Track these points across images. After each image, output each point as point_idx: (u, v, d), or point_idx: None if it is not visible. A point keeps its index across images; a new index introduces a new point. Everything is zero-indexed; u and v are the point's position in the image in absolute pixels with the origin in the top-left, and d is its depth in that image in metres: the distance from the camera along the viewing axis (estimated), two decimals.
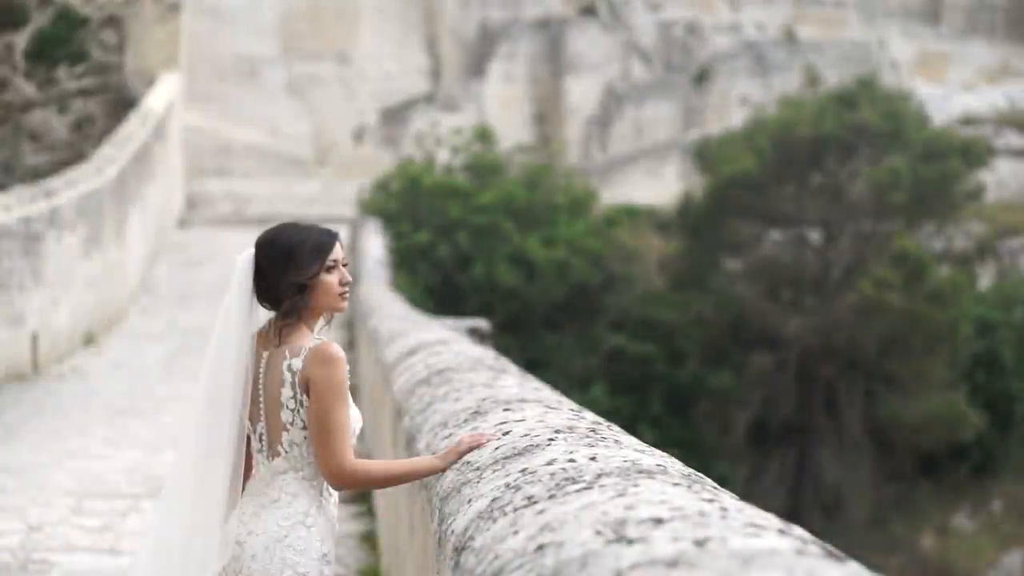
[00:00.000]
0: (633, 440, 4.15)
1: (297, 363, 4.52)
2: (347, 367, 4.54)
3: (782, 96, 36.63)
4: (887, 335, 30.98)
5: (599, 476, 3.42)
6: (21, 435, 14.39)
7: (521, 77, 41.57)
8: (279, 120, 40.15)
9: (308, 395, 4.51)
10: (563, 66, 41.53)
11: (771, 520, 2.86)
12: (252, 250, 4.62)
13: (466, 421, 5.02)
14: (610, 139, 41.06)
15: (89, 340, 20.50)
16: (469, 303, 28.65)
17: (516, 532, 3.13)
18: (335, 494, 4.67)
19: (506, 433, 4.42)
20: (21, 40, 29.62)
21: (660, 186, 37.44)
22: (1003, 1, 46.09)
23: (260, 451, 4.62)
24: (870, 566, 2.71)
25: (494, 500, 3.59)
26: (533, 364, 24.38)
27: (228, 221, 31.29)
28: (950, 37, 45.68)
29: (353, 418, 4.57)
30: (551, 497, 3.32)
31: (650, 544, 2.66)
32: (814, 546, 2.64)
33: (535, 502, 3.33)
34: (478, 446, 4.41)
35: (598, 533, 2.81)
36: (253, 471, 4.67)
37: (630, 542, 2.70)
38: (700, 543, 2.61)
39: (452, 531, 3.69)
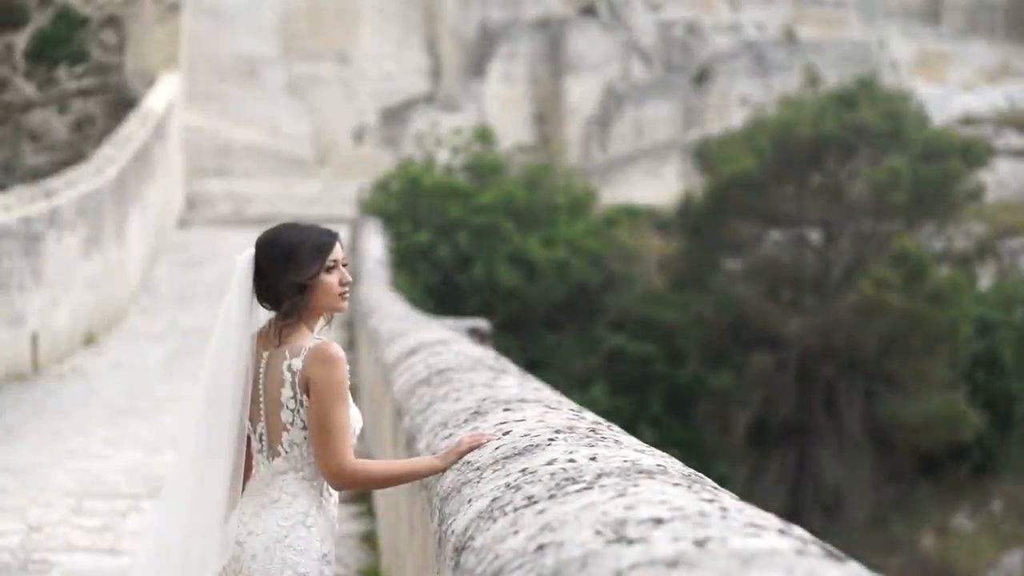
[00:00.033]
0: (633, 440, 4.15)
1: (297, 363, 4.52)
2: (347, 367, 4.54)
3: (782, 96, 36.64)
4: (887, 335, 30.98)
5: (599, 476, 3.42)
6: (21, 435, 14.39)
7: (521, 77, 41.57)
8: (279, 120, 40.15)
9: (308, 395, 4.51)
10: (563, 66, 41.54)
11: (771, 520, 2.86)
12: (252, 250, 4.62)
13: (466, 421, 5.02)
14: (610, 139, 41.06)
15: (89, 340, 20.50)
16: (469, 303, 28.65)
17: (516, 532, 3.13)
18: (335, 494, 4.67)
19: (506, 433, 4.42)
20: (21, 40, 29.62)
21: (660, 186, 37.45)
22: (1003, 1, 46.09)
23: (260, 451, 4.62)
24: (870, 566, 2.71)
25: (494, 500, 3.59)
26: (533, 364, 24.39)
27: (228, 221, 31.29)
28: (950, 37, 45.68)
29: (353, 418, 4.57)
30: (551, 497, 3.32)
31: (650, 544, 2.66)
32: (814, 546, 2.64)
33: (535, 502, 3.33)
34: (478, 446, 4.41)
35: (598, 533, 2.81)
36: (253, 471, 4.67)
37: (630, 542, 2.70)
38: (700, 543, 2.61)
39: (452, 531, 3.69)
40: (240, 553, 4.55)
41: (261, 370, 4.58)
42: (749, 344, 31.76)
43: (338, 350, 4.53)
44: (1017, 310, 32.82)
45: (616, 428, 4.45)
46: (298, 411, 4.53)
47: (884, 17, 45.31)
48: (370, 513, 11.21)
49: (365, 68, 41.55)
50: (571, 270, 30.69)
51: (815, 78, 38.25)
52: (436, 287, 29.45)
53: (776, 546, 2.59)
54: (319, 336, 4.61)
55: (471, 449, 4.42)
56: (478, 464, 4.18)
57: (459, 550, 3.47)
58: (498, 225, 30.37)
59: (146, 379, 18.01)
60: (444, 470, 4.45)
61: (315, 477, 4.57)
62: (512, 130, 39.02)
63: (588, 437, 4.09)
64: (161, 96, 28.93)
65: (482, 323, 15.51)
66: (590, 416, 4.78)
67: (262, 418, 4.59)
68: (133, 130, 25.78)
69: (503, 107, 40.84)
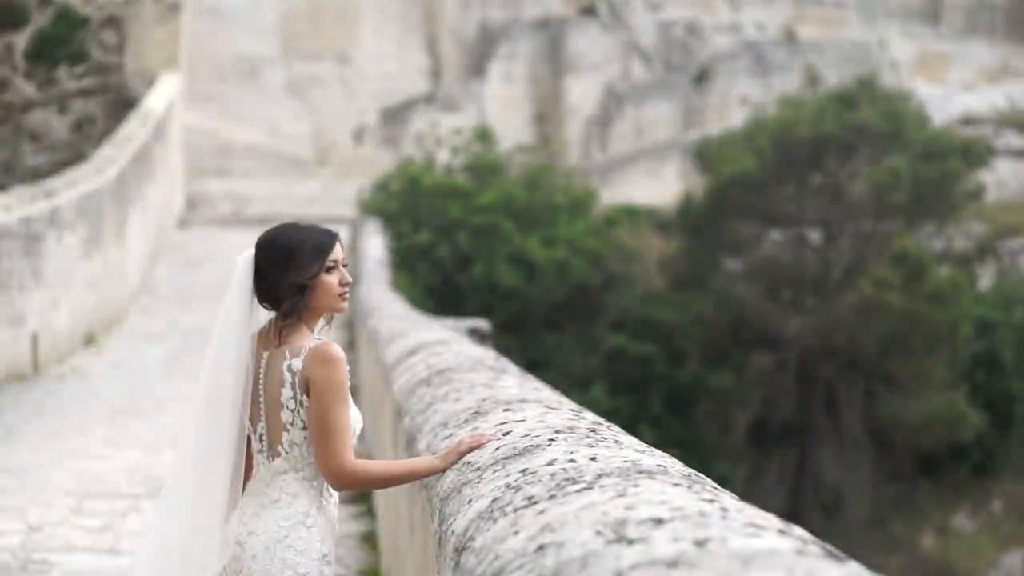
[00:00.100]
0: (633, 440, 4.15)
1: (297, 363, 4.52)
2: (347, 367, 4.54)
3: (782, 96, 36.64)
4: (887, 335, 30.98)
5: (599, 476, 3.42)
6: (21, 435, 14.39)
7: (521, 77, 41.57)
8: (279, 120, 40.15)
9: (308, 395, 4.51)
10: (563, 66, 41.53)
11: (771, 520, 2.86)
12: (252, 250, 4.62)
13: (466, 421, 5.02)
14: (610, 139, 41.06)
15: (89, 340, 20.50)
16: (469, 303, 28.65)
17: (516, 532, 3.13)
18: (335, 494, 4.67)
19: (506, 433, 4.42)
20: (21, 40, 29.62)
21: (660, 186, 37.45)
22: (1003, 1, 46.09)
23: (260, 451, 4.62)
24: (870, 566, 2.71)
25: (494, 500, 3.59)
26: (533, 364, 24.38)
27: (228, 221, 31.29)
28: (950, 37, 45.68)
29: (353, 418, 4.57)
30: (551, 497, 3.32)
31: (650, 544, 2.66)
32: (814, 546, 2.64)
33: (535, 502, 3.33)
34: (478, 446, 4.41)
35: (598, 533, 2.81)
36: (253, 471, 4.67)
37: (630, 542, 2.70)
38: (700, 543, 2.61)
39: (452, 531, 3.69)
40: (240, 553, 4.55)
41: (261, 370, 4.58)
42: (749, 344, 31.76)
43: (338, 350, 4.53)
44: (1017, 310, 32.82)
45: (616, 428, 4.45)
46: (298, 411, 4.53)
47: (884, 17, 45.31)
48: (370, 513, 11.21)
49: (365, 68, 41.55)
50: (571, 270, 30.69)
51: (815, 78, 38.25)
52: (436, 287, 29.45)
53: (776, 546, 2.59)
54: (319, 336, 4.61)
55: (471, 449, 4.42)
56: (478, 464, 4.18)
57: (459, 550, 3.47)
58: (498, 225, 30.37)
59: (146, 379, 18.01)
60: (444, 470, 4.45)
61: (315, 477, 4.57)
62: (512, 130, 39.02)
63: (588, 437, 4.09)
64: (161, 96, 28.93)
65: (482, 323, 15.51)
66: (590, 416, 4.78)
67: (262, 418, 4.59)
68: (133, 130, 25.78)
69: (503, 107, 40.84)
